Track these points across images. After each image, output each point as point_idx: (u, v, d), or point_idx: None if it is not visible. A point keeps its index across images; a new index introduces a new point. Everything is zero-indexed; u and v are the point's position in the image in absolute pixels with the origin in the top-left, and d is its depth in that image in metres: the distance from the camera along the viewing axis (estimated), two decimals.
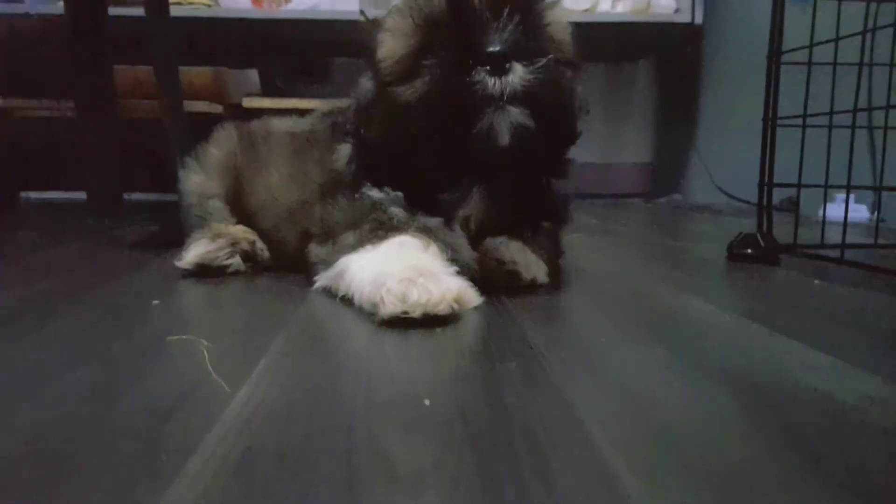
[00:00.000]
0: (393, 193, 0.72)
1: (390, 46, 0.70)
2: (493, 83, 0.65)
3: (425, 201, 0.72)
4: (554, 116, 0.69)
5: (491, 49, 0.65)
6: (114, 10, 2.11)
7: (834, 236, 0.97)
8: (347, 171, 0.76)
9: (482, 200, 0.73)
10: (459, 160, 0.70)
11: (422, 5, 0.68)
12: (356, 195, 0.73)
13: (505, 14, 0.66)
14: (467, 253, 0.71)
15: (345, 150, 0.78)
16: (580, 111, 0.76)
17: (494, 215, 0.74)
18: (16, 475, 0.31)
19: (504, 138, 0.66)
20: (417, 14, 0.68)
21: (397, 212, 0.71)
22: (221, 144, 0.98)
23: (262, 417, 0.38)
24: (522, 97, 0.65)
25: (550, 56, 0.68)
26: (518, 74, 0.65)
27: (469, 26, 0.66)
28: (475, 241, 0.74)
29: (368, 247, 0.67)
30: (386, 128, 0.71)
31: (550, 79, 0.67)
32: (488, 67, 0.65)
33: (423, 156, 0.70)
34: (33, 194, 2.62)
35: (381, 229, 0.69)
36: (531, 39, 0.67)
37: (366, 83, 0.74)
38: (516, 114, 0.66)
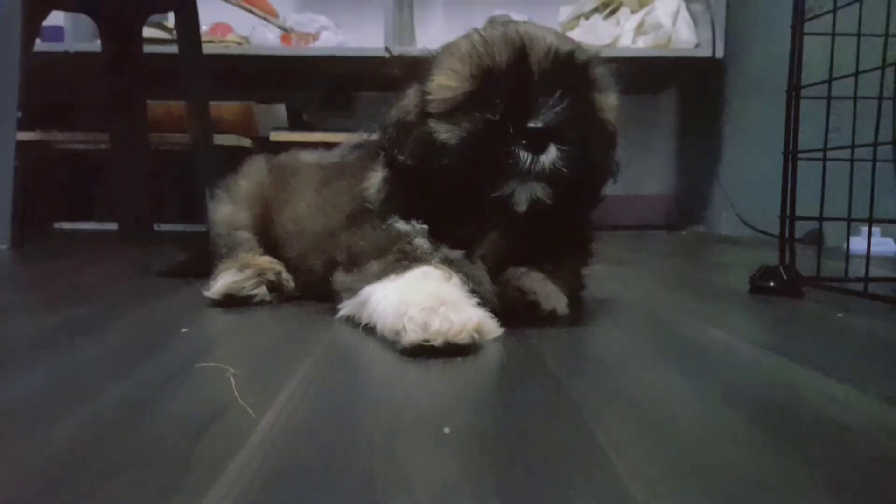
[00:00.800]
0: (419, 226, 0.74)
1: (442, 82, 0.71)
2: (525, 159, 0.67)
3: (448, 235, 0.74)
4: (580, 191, 0.72)
5: (532, 125, 0.66)
6: (148, 48, 2.19)
7: (859, 269, 0.96)
8: (376, 200, 0.78)
9: (500, 240, 0.76)
10: (478, 205, 0.72)
11: (481, 55, 0.70)
12: (383, 225, 0.75)
13: (559, 92, 0.68)
14: (488, 285, 0.72)
15: (375, 178, 0.79)
16: (613, 175, 0.79)
17: (512, 254, 0.76)
18: (54, 490, 0.33)
19: (521, 207, 0.70)
20: (476, 63, 0.70)
21: (421, 243, 0.72)
22: (251, 176, 1.01)
23: (287, 441, 0.39)
24: (549, 176, 0.67)
25: (590, 137, 0.70)
26: (551, 157, 0.67)
27: (522, 93, 0.68)
28: (496, 271, 0.75)
29: (392, 276, 0.68)
30: (419, 151, 0.73)
31: (582, 164, 0.69)
32: (525, 142, 0.67)
33: (446, 190, 0.72)
34: (66, 224, 2.69)
35: (406, 259, 0.70)
36: (576, 122, 0.68)
37: (411, 100, 0.75)
38: (537, 189, 0.69)
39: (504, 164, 0.67)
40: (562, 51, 0.70)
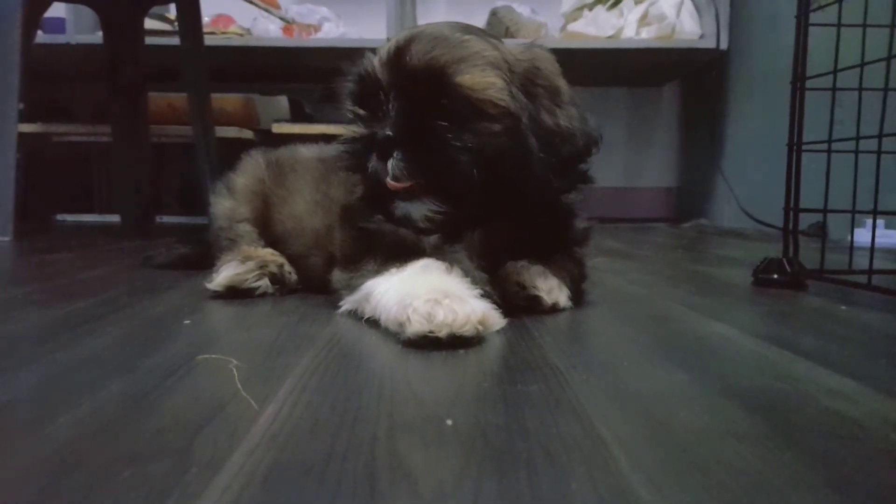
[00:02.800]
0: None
1: (349, 107, 0.79)
2: (380, 168, 0.69)
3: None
4: (459, 181, 0.69)
5: (380, 134, 0.69)
6: (150, 40, 2.18)
7: (863, 262, 0.96)
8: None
9: (483, 237, 0.75)
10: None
11: (364, 61, 0.76)
12: (372, 221, 0.75)
13: (398, 96, 0.70)
14: (479, 277, 0.72)
15: None
16: (588, 145, 0.76)
17: (505, 247, 0.76)
18: (54, 485, 0.33)
19: (423, 223, 0.71)
20: (359, 84, 0.76)
21: (410, 235, 0.73)
22: (248, 173, 1.01)
23: (289, 434, 0.39)
24: (415, 173, 0.68)
25: (446, 127, 0.69)
26: (397, 163, 0.68)
27: (374, 103, 0.73)
28: (493, 264, 0.75)
29: (393, 270, 0.68)
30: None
31: (443, 156, 0.69)
32: (376, 152, 0.70)
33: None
34: (68, 217, 2.69)
35: (401, 252, 0.70)
36: (425, 118, 0.69)
37: None
38: (421, 207, 0.70)
39: (375, 180, 0.71)
40: (392, 53, 0.72)
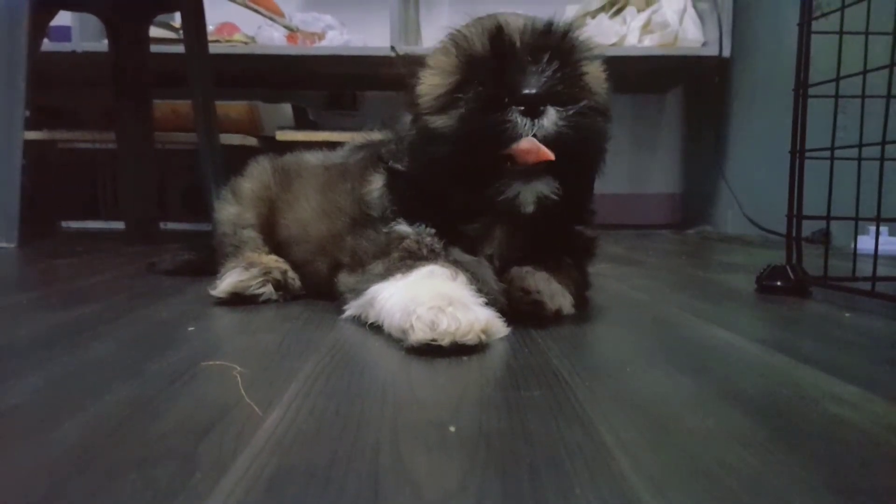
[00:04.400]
0: (423, 228, 0.74)
1: (430, 82, 0.72)
2: (524, 123, 0.66)
3: (453, 236, 0.74)
4: (582, 164, 0.71)
5: (527, 91, 0.65)
6: (155, 48, 2.19)
7: (867, 269, 0.96)
8: (379, 205, 0.78)
9: (505, 237, 0.75)
10: (481, 204, 0.71)
11: (464, 45, 0.70)
12: (385, 229, 0.75)
13: (544, 59, 0.67)
14: (494, 284, 0.72)
15: (376, 183, 0.80)
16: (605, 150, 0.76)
17: (517, 251, 0.76)
18: (60, 489, 0.33)
19: (528, 207, 0.68)
20: (460, 53, 0.70)
21: (429, 242, 0.73)
22: (255, 178, 1.02)
23: (293, 438, 0.39)
24: (553, 142, 0.66)
25: (585, 102, 0.69)
26: (551, 118, 0.66)
27: (508, 67, 0.67)
28: (501, 271, 0.75)
29: (398, 275, 0.68)
30: (416, 156, 0.73)
31: (583, 125, 0.68)
32: (522, 108, 0.66)
33: (448, 185, 0.72)
34: (73, 223, 2.70)
35: (410, 258, 0.70)
36: (567, 86, 0.68)
37: (405, 117, 0.77)
38: (542, 186, 0.67)
39: (505, 134, 0.66)
40: (539, 22, 0.70)
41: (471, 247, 0.75)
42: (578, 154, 0.69)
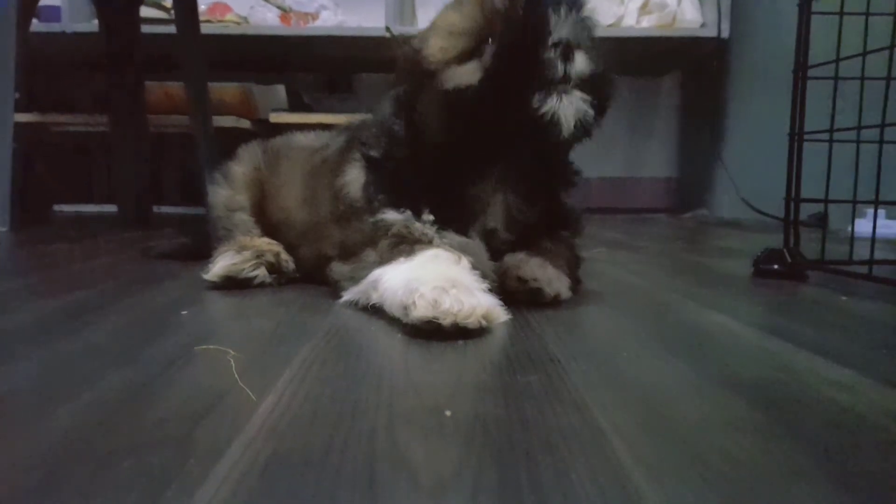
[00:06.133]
0: (410, 214, 0.74)
1: (441, 44, 0.70)
2: (561, 68, 0.66)
3: (443, 217, 0.73)
4: (601, 107, 0.70)
5: (559, 36, 0.66)
6: (146, 28, 2.16)
7: (864, 252, 0.96)
8: (362, 196, 0.77)
9: (503, 208, 0.75)
10: (495, 151, 0.71)
11: (484, 3, 0.69)
12: (371, 219, 0.74)
13: (562, 10, 0.67)
14: (488, 266, 0.72)
15: (355, 173, 0.78)
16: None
17: (514, 223, 0.75)
18: (54, 476, 0.33)
19: (568, 127, 0.66)
20: (477, 6, 0.69)
21: (420, 226, 0.72)
22: (246, 162, 1.01)
23: (287, 425, 0.39)
24: (585, 85, 0.67)
25: (602, 50, 0.70)
26: (582, 62, 0.67)
27: (534, 16, 0.67)
28: (494, 256, 0.75)
29: (401, 259, 0.68)
30: (431, 118, 0.71)
31: (603, 69, 0.69)
32: (555, 52, 0.65)
33: (466, 144, 0.71)
34: (66, 207, 2.69)
35: (403, 243, 0.70)
36: (587, 32, 0.69)
37: (386, 106, 0.75)
38: (581, 103, 0.66)
39: (540, 80, 0.65)
40: None
41: (463, 228, 0.74)
42: (600, 97, 0.69)
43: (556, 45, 0.66)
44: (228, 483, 0.32)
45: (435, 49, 0.70)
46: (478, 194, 0.75)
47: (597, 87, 0.68)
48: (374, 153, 0.76)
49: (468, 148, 0.71)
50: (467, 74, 0.69)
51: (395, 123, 0.75)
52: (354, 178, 0.79)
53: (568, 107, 0.66)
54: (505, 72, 0.66)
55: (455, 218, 0.74)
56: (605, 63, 0.71)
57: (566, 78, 0.66)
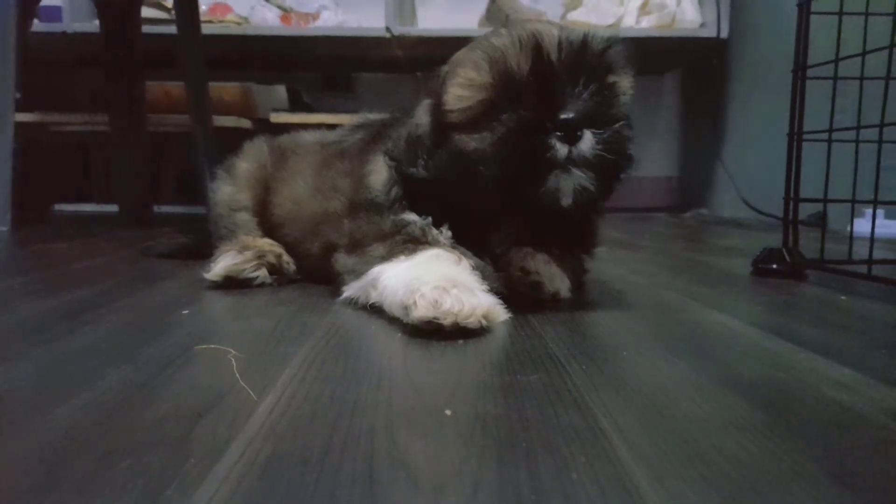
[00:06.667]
0: (430, 221, 0.73)
1: (458, 93, 0.69)
2: (563, 150, 0.65)
3: (461, 235, 0.73)
4: (613, 176, 0.70)
5: (565, 116, 0.65)
6: (147, 28, 2.16)
7: (863, 252, 0.96)
8: (385, 197, 0.76)
9: (517, 234, 0.76)
10: (512, 210, 0.71)
11: (496, 60, 0.68)
12: (392, 216, 0.74)
13: (581, 80, 0.67)
14: (491, 275, 0.72)
15: (379, 171, 0.78)
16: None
17: (524, 243, 0.76)
18: (53, 475, 0.33)
19: (567, 199, 0.67)
20: (494, 69, 0.68)
21: (434, 233, 0.72)
22: (251, 157, 1.01)
23: (287, 424, 0.39)
24: (589, 164, 0.66)
25: (620, 124, 0.68)
26: (588, 144, 0.66)
27: (546, 88, 0.66)
28: (501, 253, 0.75)
29: (402, 257, 0.68)
30: (447, 169, 0.71)
31: (617, 147, 0.68)
32: (560, 134, 0.65)
33: (479, 201, 0.71)
34: (66, 206, 2.68)
35: (412, 242, 0.70)
36: (604, 108, 0.68)
37: (422, 117, 0.74)
38: (581, 178, 0.67)
39: (543, 160, 0.66)
40: (575, 39, 0.68)
41: (477, 245, 0.74)
42: (610, 170, 0.69)
43: (564, 123, 0.65)
44: (228, 483, 0.32)
45: (453, 97, 0.70)
46: (489, 227, 0.75)
47: (604, 167, 0.67)
48: (401, 160, 0.75)
49: (481, 201, 0.71)
50: (477, 144, 0.69)
51: (423, 142, 0.74)
52: (378, 169, 0.78)
53: (566, 184, 0.67)
54: (512, 150, 0.67)
55: (471, 244, 0.74)
56: (627, 132, 0.70)
57: (569, 160, 0.66)
